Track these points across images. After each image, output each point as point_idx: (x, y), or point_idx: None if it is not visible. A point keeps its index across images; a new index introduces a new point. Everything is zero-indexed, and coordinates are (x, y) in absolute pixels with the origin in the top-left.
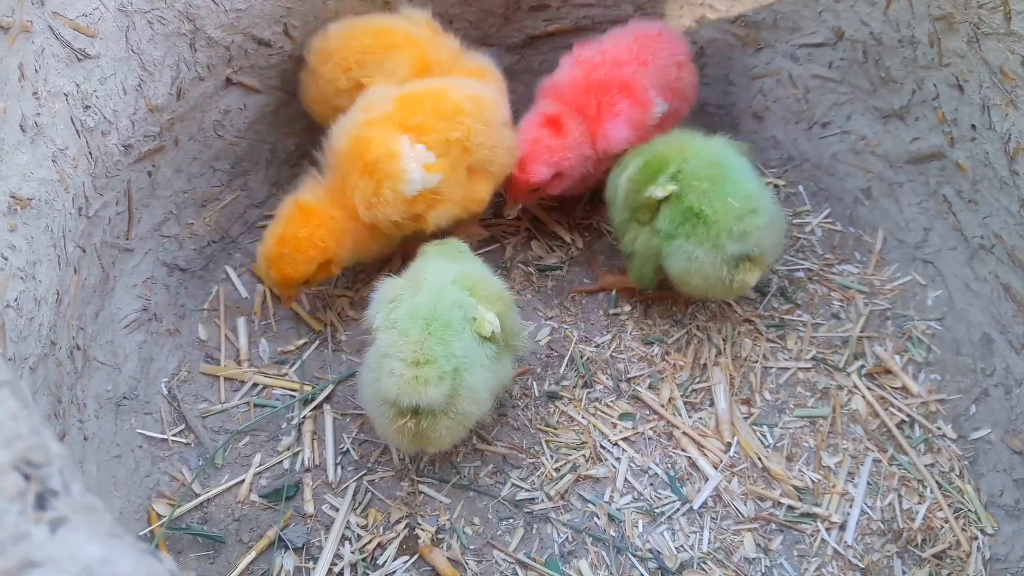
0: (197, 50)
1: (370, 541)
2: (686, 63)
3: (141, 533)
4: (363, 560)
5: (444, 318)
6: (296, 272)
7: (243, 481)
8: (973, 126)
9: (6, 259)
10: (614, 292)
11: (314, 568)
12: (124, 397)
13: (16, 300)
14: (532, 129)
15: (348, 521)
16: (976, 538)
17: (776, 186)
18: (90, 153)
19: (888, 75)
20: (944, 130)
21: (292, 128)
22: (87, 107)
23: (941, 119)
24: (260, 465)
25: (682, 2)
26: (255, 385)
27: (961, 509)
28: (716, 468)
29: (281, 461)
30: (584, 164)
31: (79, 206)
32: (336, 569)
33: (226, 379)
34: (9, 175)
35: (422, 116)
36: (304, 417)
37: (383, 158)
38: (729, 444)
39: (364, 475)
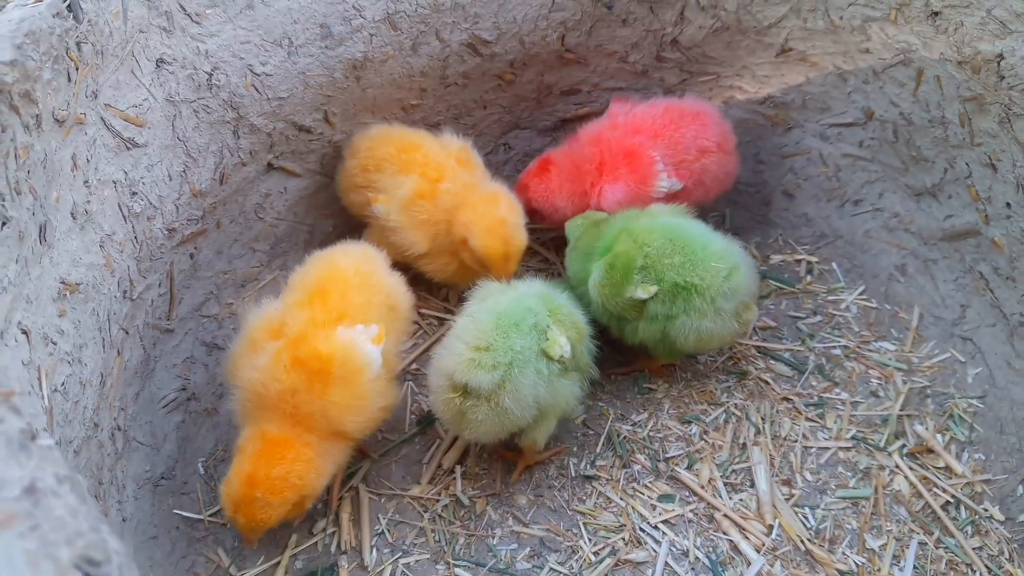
0: (240, 137)
1: None
2: (713, 149)
3: None
4: None
5: (515, 318)
6: (269, 517)
7: (279, 563)
8: (1008, 204)
9: (55, 343)
10: (646, 371)
11: None
12: (162, 477)
13: (63, 384)
14: (532, 165)
15: None
16: None
17: (809, 263)
18: (135, 238)
19: (919, 154)
20: (978, 208)
21: (330, 209)
22: (134, 193)
23: (975, 197)
24: (296, 547)
25: (711, 84)
26: None
27: None
28: (759, 552)
29: (316, 543)
30: (558, 213)
31: (124, 289)
32: None
33: None
34: (60, 261)
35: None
36: (340, 498)
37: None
38: (771, 527)
39: (400, 557)
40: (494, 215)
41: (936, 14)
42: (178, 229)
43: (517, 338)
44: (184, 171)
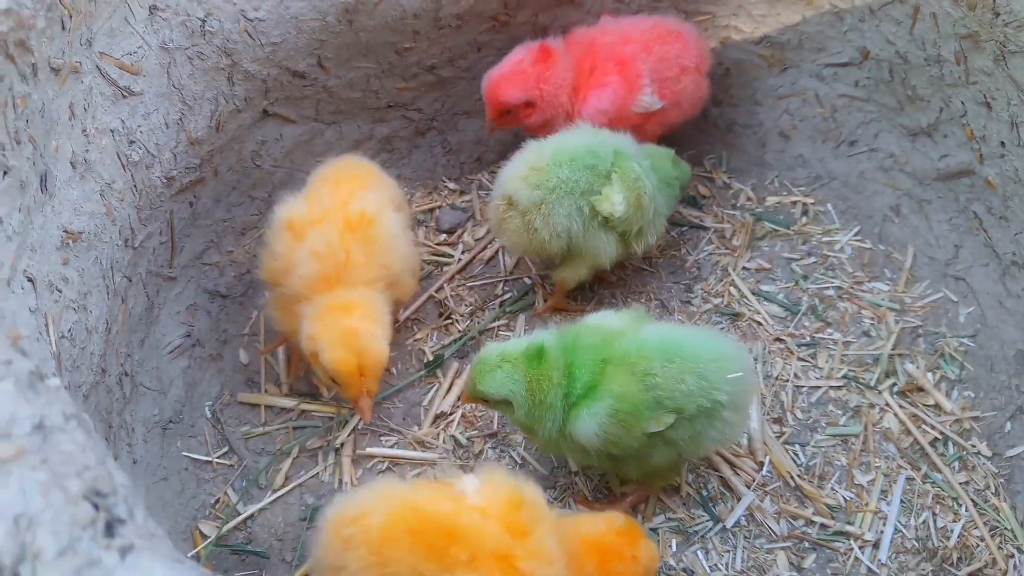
0: (235, 84)
1: None
2: (691, 70)
3: (189, 554)
4: None
5: (574, 152)
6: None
7: (285, 500)
8: (1002, 143)
9: (60, 291)
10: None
11: None
12: (170, 421)
13: (70, 331)
14: (521, 52)
15: None
16: (1012, 556)
17: (805, 204)
18: (135, 186)
19: (915, 93)
20: (973, 147)
21: (327, 155)
22: (132, 142)
23: (970, 136)
24: (301, 484)
25: (707, 24)
26: (294, 409)
27: (997, 527)
28: (749, 487)
29: (322, 481)
30: (556, 108)
31: (125, 237)
32: None
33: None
34: (62, 210)
35: None
36: (342, 442)
37: None
38: (761, 463)
39: None
40: (344, 324)
41: None
42: (176, 177)
43: (568, 170)
44: (180, 119)
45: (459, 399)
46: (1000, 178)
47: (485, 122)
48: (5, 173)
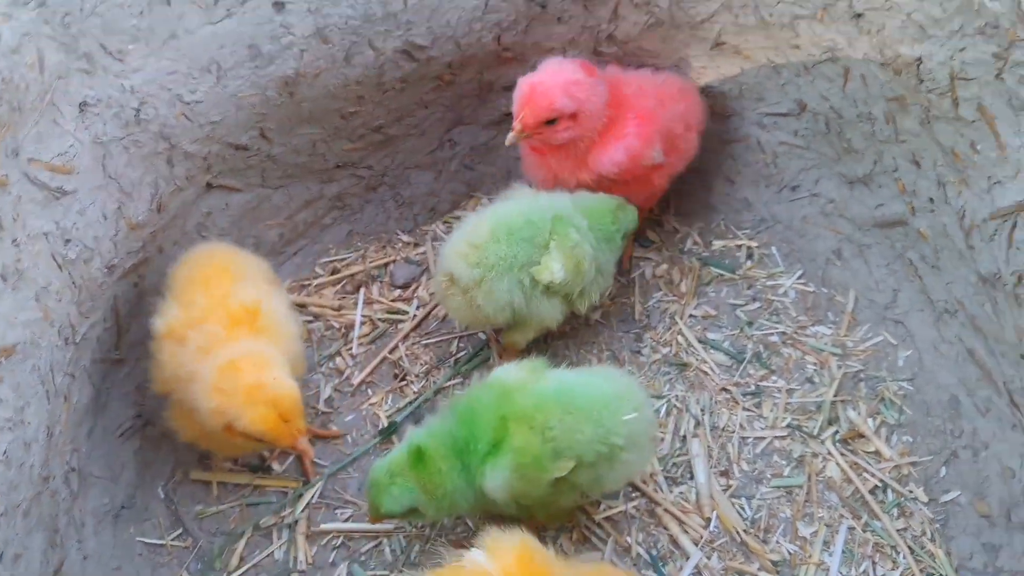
0: (175, 165)
1: None
2: (694, 127)
3: None
4: None
5: (512, 225)
6: None
7: None
8: (931, 199)
9: None
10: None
11: None
12: (122, 507)
13: (5, 453)
14: (566, 64)
15: None
16: None
17: (749, 248)
18: (73, 283)
19: (850, 145)
20: (905, 200)
21: (275, 219)
22: (67, 241)
23: (902, 190)
24: (256, 565)
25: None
26: (248, 485)
27: (932, 574)
28: (696, 544)
29: (276, 560)
30: (589, 129)
31: (65, 336)
32: None
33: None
34: None
35: None
36: (296, 518)
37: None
38: (709, 519)
39: (354, 565)
40: (244, 383)
41: (859, 16)
42: (118, 265)
43: (505, 245)
44: (119, 208)
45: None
46: (931, 230)
47: (512, 132)
48: None
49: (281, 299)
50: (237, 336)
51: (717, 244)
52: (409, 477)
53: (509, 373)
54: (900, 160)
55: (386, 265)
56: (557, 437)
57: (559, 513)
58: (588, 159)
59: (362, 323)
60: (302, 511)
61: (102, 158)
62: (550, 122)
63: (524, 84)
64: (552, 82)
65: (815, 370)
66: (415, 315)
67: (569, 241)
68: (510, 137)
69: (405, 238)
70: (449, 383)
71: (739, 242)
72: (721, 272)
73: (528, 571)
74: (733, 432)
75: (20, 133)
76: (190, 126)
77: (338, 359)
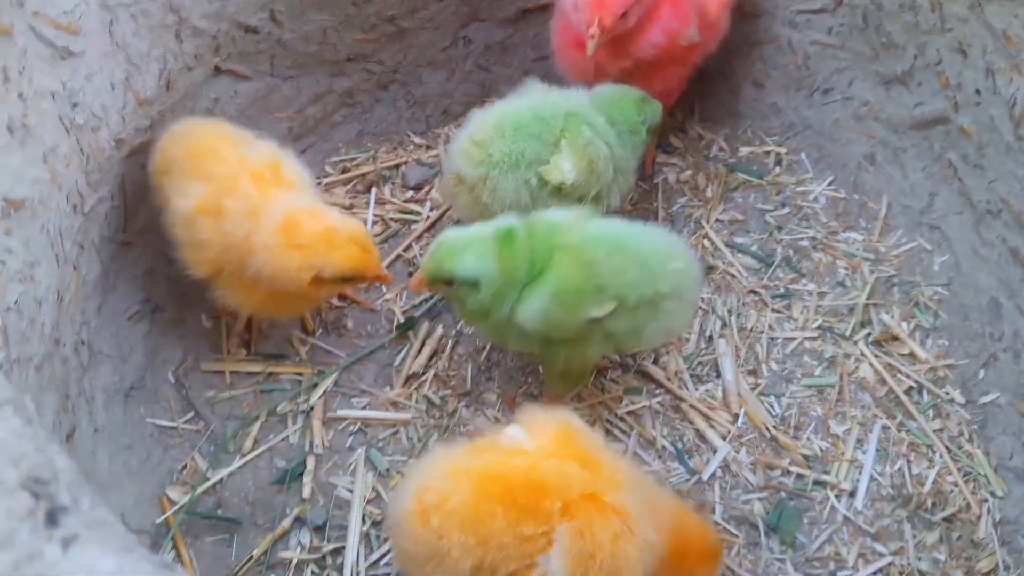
0: (183, 41)
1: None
2: (726, 5)
3: (157, 520)
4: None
5: (519, 121)
6: None
7: (255, 464)
8: (977, 91)
9: (3, 263)
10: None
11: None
12: (132, 388)
13: (16, 302)
14: None
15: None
16: (986, 501)
17: (778, 154)
18: (81, 150)
19: (889, 40)
20: (948, 95)
21: (284, 112)
22: (75, 104)
23: (944, 84)
24: (271, 448)
25: None
26: (261, 372)
27: (971, 473)
28: (724, 439)
29: (291, 444)
30: (641, 12)
31: (74, 204)
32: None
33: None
34: (1, 178)
35: None
36: (312, 405)
37: None
38: (737, 415)
39: (370, 451)
40: (315, 231)
41: None
42: (126, 140)
43: (511, 141)
44: (127, 79)
45: (407, 287)
46: (975, 126)
47: (590, 40)
48: None
49: (287, 154)
50: (270, 195)
51: (744, 151)
52: (491, 249)
53: (558, 214)
54: (944, 51)
55: (397, 166)
56: (602, 273)
57: (579, 370)
58: (626, 43)
59: (374, 222)
60: (318, 398)
61: (109, 23)
62: (624, 14)
63: None
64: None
65: (847, 274)
66: (428, 216)
67: (582, 139)
68: (591, 46)
69: (417, 140)
70: None
71: (767, 148)
72: (748, 178)
73: (566, 451)
74: (762, 332)
75: None
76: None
77: None
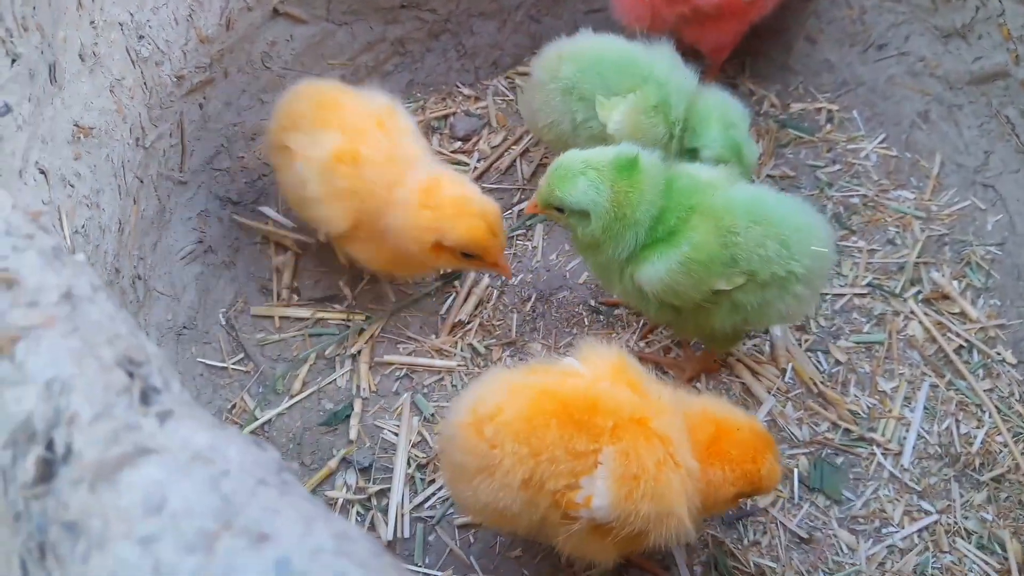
0: None
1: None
2: None
3: None
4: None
5: (605, 59)
6: None
7: (303, 406)
8: None
9: (72, 186)
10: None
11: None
12: (184, 327)
13: (83, 226)
14: None
15: (408, 440)
16: None
17: (830, 111)
18: (145, 84)
19: None
20: (1009, 47)
21: (337, 59)
22: (141, 37)
23: (1007, 36)
24: (319, 390)
25: None
26: (310, 318)
27: (1021, 434)
28: (769, 392)
29: (339, 387)
30: None
31: (136, 137)
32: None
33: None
34: (72, 103)
35: None
36: (359, 349)
37: None
38: (784, 370)
39: (416, 397)
40: (448, 197)
41: None
42: (187, 76)
43: (576, 67)
44: (190, 15)
45: (525, 210)
46: None
47: None
48: (14, 61)
49: (396, 102)
50: (399, 142)
51: (795, 107)
52: (606, 178)
53: (704, 170)
54: (1007, 2)
55: (446, 117)
56: (739, 243)
57: (711, 336)
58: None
59: None
60: (365, 343)
61: None
62: None
63: None
64: None
65: (897, 232)
66: (476, 167)
67: (649, 100)
68: None
69: (466, 91)
70: (512, 233)
71: (819, 105)
72: (800, 134)
73: (619, 377)
74: None
75: None
76: None
77: None
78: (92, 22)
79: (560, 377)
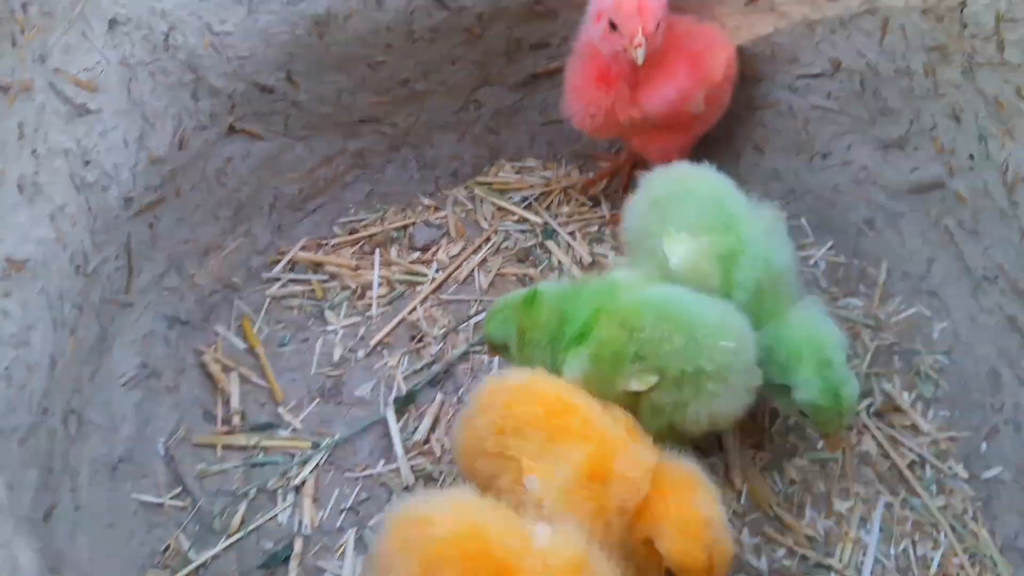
0: (199, 99)
1: None
2: (731, 80)
3: None
4: None
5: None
6: None
7: (240, 546)
8: (971, 156)
9: None
10: None
11: None
12: (120, 460)
13: (6, 369)
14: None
15: None
16: None
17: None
18: (89, 209)
19: (886, 105)
20: (943, 160)
21: (296, 173)
22: (87, 162)
23: (939, 149)
24: (258, 528)
25: None
26: (255, 446)
27: (976, 555)
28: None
29: (280, 524)
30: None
31: (77, 264)
32: None
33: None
34: (5, 238)
35: None
36: (304, 479)
37: None
38: (740, 492)
39: (361, 532)
40: (692, 510)
41: None
42: (135, 198)
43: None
44: (141, 137)
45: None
46: (970, 191)
47: (638, 48)
48: None
49: None
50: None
51: None
52: (515, 313)
53: (625, 275)
54: (939, 116)
55: (405, 227)
56: (644, 340)
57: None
58: (640, 95)
59: (379, 284)
60: (310, 473)
61: (128, 81)
62: (658, 26)
63: None
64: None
65: (848, 341)
66: (434, 278)
67: (718, 249)
68: (639, 54)
69: (426, 201)
70: (470, 349)
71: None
72: None
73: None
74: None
75: (49, 40)
76: (218, 59)
77: (354, 319)
78: (34, 151)
79: (508, 529)
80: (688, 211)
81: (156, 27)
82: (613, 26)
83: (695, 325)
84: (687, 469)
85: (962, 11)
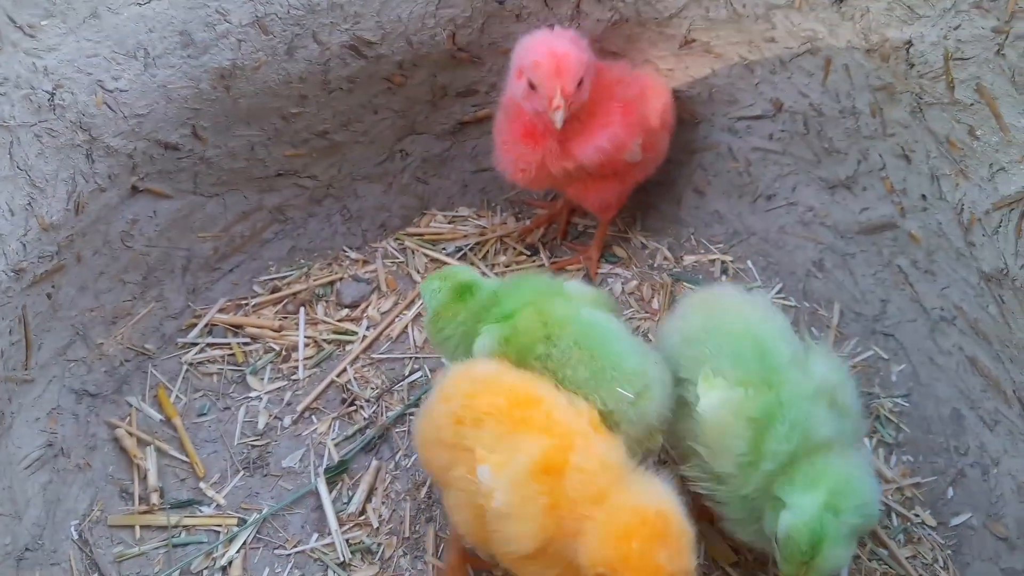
0: (95, 161)
1: None
2: (668, 128)
3: None
4: None
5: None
6: None
7: None
8: (923, 196)
9: None
10: None
11: None
12: (27, 549)
13: None
14: (555, 29)
15: None
16: None
17: (724, 263)
18: None
19: (832, 146)
20: (894, 200)
21: (209, 231)
22: None
23: (889, 189)
24: None
25: None
26: (176, 525)
27: None
28: None
29: None
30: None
31: None
32: None
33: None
34: None
35: None
36: (230, 559)
37: None
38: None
39: None
40: (655, 564)
41: (841, 0)
42: (27, 269)
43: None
44: (29, 204)
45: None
46: (923, 232)
47: (558, 110)
48: None
49: None
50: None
51: (689, 259)
52: (445, 292)
53: (578, 288)
54: (888, 156)
55: (332, 283)
56: (554, 355)
57: None
58: (572, 145)
59: (305, 344)
60: (237, 552)
61: (9, 145)
62: (580, 83)
63: (543, 55)
64: (561, 40)
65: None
66: (364, 336)
67: (751, 409)
68: (558, 118)
69: (353, 255)
70: (405, 412)
71: (712, 256)
72: (694, 288)
73: None
74: None
75: None
76: (113, 117)
77: (279, 383)
78: None
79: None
80: (725, 354)
81: (39, 86)
82: (532, 86)
83: (606, 366)
84: (659, 511)
85: (908, 51)
